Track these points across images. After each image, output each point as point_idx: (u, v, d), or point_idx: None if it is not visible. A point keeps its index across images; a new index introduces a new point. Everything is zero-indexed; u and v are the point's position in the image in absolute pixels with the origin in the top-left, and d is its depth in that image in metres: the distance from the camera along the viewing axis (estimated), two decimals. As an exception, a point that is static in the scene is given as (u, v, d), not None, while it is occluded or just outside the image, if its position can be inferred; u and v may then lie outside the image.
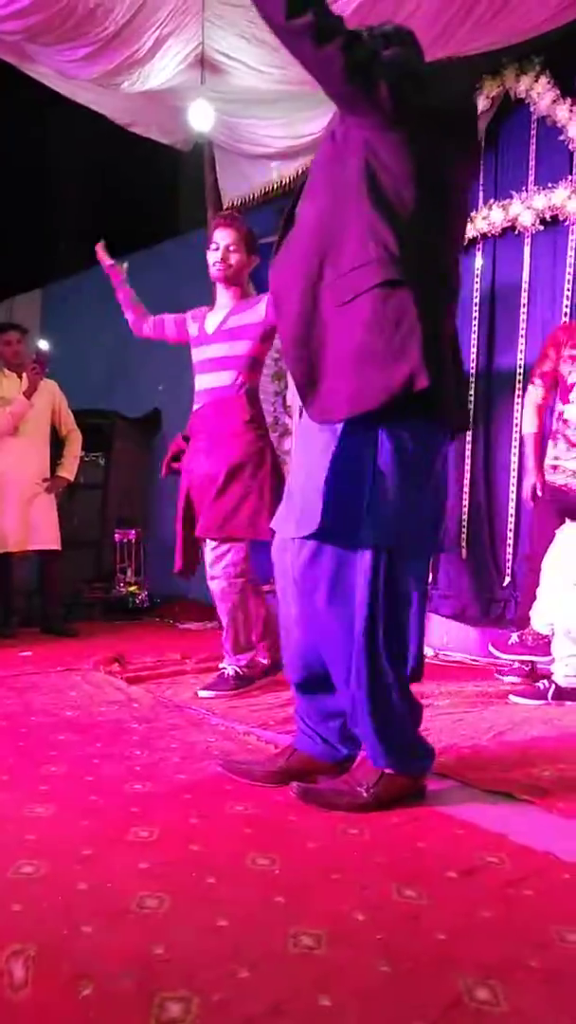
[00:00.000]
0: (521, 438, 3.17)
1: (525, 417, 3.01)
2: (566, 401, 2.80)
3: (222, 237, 2.53)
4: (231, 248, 2.52)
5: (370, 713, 1.47)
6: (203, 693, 2.47)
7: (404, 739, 1.49)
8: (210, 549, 2.54)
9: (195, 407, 2.63)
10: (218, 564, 2.51)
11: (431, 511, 1.51)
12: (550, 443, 2.89)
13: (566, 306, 3.18)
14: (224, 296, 2.61)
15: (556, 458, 2.84)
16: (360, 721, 1.48)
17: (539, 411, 2.90)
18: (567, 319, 3.15)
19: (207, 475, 2.52)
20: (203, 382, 2.59)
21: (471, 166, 1.58)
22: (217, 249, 2.53)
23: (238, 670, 2.53)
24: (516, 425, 3.30)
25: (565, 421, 2.80)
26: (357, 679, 1.46)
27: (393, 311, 1.36)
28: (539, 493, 2.83)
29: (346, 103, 1.40)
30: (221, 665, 2.60)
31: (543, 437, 2.90)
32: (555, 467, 2.84)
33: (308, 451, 1.48)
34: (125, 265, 2.82)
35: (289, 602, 1.57)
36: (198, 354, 2.62)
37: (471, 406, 3.44)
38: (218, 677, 2.55)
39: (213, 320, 2.61)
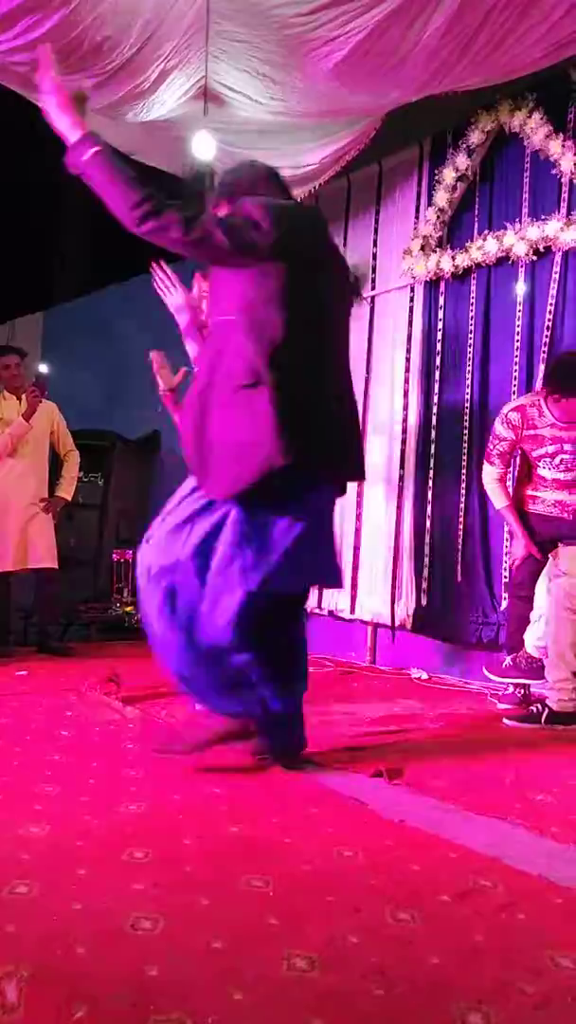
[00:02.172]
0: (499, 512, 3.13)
1: (492, 494, 2.94)
2: (535, 468, 2.81)
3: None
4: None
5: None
6: None
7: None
8: None
9: None
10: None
11: (306, 556, 1.78)
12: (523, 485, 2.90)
13: (546, 331, 3.23)
14: None
15: (534, 490, 2.84)
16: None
17: (502, 484, 2.87)
18: (546, 347, 3.21)
19: None
20: None
21: (340, 276, 1.90)
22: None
23: None
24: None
25: (540, 476, 2.81)
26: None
27: (250, 409, 1.69)
28: (536, 555, 2.77)
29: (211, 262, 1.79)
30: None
31: (514, 502, 2.88)
32: (534, 499, 2.84)
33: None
34: (183, 370, 2.56)
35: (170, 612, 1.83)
36: None
37: (464, 444, 3.54)
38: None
39: None
